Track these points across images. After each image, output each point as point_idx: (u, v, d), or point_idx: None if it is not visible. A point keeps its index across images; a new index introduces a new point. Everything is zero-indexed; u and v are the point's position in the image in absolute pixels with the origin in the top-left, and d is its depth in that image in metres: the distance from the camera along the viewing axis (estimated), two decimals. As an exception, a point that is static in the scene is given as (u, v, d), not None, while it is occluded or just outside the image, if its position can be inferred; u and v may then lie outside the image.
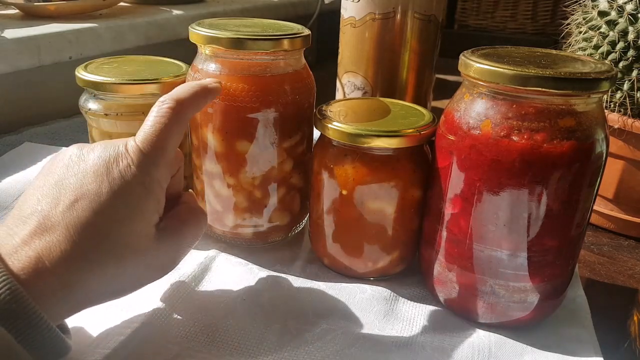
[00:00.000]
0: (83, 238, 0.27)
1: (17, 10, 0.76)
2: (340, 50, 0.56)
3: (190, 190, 0.37)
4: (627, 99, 0.46)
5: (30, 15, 0.74)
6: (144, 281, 0.32)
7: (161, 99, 0.32)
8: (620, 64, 0.46)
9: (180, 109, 0.32)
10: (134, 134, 0.43)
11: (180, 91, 0.33)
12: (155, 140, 0.30)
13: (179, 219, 0.33)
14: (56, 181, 0.29)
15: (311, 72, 0.42)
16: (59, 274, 0.26)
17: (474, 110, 0.33)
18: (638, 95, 0.46)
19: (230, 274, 0.41)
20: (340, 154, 0.38)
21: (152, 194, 0.30)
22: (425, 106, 0.50)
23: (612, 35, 0.46)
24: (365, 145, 0.36)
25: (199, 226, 0.34)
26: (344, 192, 0.38)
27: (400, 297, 0.39)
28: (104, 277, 0.28)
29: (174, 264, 0.33)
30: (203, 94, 0.34)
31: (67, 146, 0.58)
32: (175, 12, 0.85)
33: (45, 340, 0.25)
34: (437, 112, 0.39)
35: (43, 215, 0.28)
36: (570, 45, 0.51)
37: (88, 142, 0.46)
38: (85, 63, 0.45)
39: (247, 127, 0.39)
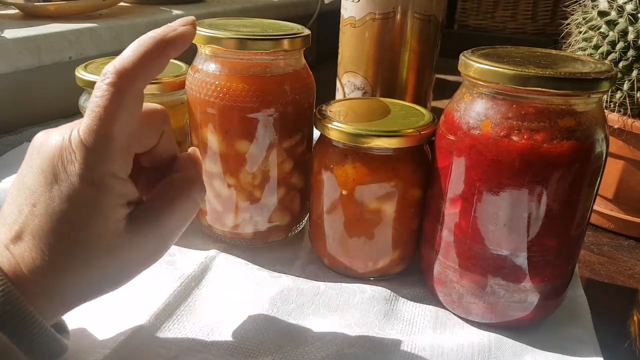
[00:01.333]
0: (48, 245, 0.25)
1: (17, 10, 0.76)
2: (340, 50, 0.56)
3: (191, 148, 0.33)
4: (627, 99, 0.46)
5: (30, 15, 0.74)
6: (131, 273, 0.29)
7: (103, 71, 0.26)
8: (620, 64, 0.46)
9: (125, 82, 0.26)
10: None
11: (125, 56, 0.26)
12: (98, 128, 0.25)
13: (164, 199, 0.29)
14: (19, 181, 0.27)
15: (311, 72, 0.42)
16: (35, 281, 0.25)
17: (474, 110, 0.33)
18: (638, 95, 0.46)
19: (230, 274, 0.41)
20: (340, 154, 0.38)
21: (107, 191, 0.26)
22: (425, 106, 0.50)
23: (612, 35, 0.46)
24: (365, 145, 0.36)
25: (189, 203, 0.30)
26: (344, 192, 0.38)
27: (400, 297, 0.39)
28: (81, 280, 0.27)
29: (160, 252, 0.30)
30: (157, 52, 0.27)
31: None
32: (175, 12, 0.85)
33: (40, 340, 0.25)
34: (437, 112, 0.39)
35: (12, 220, 0.26)
36: (570, 45, 0.51)
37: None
38: (85, 63, 0.45)
39: (247, 127, 0.39)
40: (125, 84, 0.26)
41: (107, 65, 0.26)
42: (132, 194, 0.28)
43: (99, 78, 0.26)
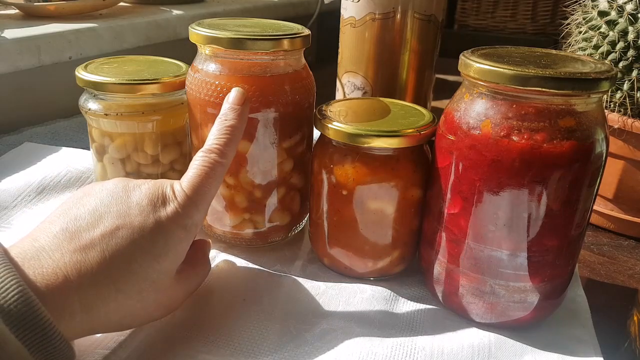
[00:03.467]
0: (115, 265, 0.28)
1: (17, 10, 0.76)
2: (340, 50, 0.56)
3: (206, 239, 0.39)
4: (627, 99, 0.46)
5: (30, 15, 0.74)
6: (149, 317, 0.32)
7: (206, 148, 0.33)
8: (620, 64, 0.46)
9: (225, 161, 0.33)
10: (134, 134, 0.43)
11: (222, 141, 0.33)
12: (200, 186, 0.32)
13: (190, 264, 0.34)
14: (97, 205, 0.30)
15: (311, 72, 0.42)
16: (82, 293, 0.26)
17: (474, 110, 0.33)
18: (638, 95, 0.46)
19: (230, 274, 0.41)
20: (340, 154, 0.38)
21: (190, 237, 0.31)
22: (425, 106, 0.50)
23: (612, 35, 0.46)
24: (365, 145, 0.36)
25: (203, 274, 0.36)
26: (344, 192, 0.38)
27: (400, 297, 0.39)
28: (123, 306, 0.28)
29: (177, 306, 0.34)
30: (238, 135, 0.35)
31: (67, 146, 0.59)
32: (175, 12, 0.85)
33: (57, 352, 0.25)
34: (437, 112, 0.39)
35: (77, 234, 0.28)
36: (570, 45, 0.51)
37: (88, 142, 0.46)
38: (85, 63, 0.45)
39: (247, 127, 0.38)
40: (224, 161, 0.33)
41: (210, 144, 0.33)
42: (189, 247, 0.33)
43: (203, 152, 0.33)
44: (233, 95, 0.35)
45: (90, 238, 0.28)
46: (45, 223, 0.29)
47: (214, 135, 0.34)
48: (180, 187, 0.32)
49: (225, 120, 0.34)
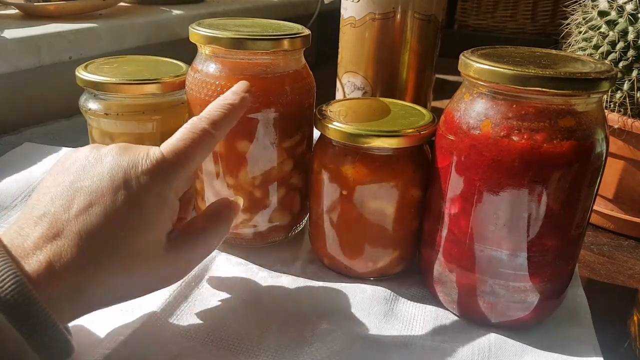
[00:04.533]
0: (94, 245, 0.27)
1: (17, 10, 0.76)
2: (340, 50, 0.56)
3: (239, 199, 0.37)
4: (627, 99, 0.46)
5: (30, 15, 0.74)
6: (151, 288, 0.31)
7: (195, 117, 0.32)
8: (620, 64, 0.46)
9: (214, 131, 0.31)
10: (134, 134, 0.43)
11: (215, 113, 0.32)
12: (182, 151, 0.30)
13: (195, 229, 0.32)
14: (71, 182, 0.28)
15: (311, 72, 0.42)
16: (68, 279, 0.26)
17: (474, 110, 0.33)
18: (638, 95, 0.46)
19: (230, 274, 0.41)
20: (340, 154, 0.38)
21: (167, 204, 0.30)
22: (425, 106, 0.50)
23: (612, 35, 0.46)
24: (365, 145, 0.36)
25: (212, 239, 0.33)
26: (344, 192, 0.38)
27: (400, 297, 0.39)
28: (112, 284, 0.28)
29: (182, 274, 0.33)
30: (235, 115, 0.33)
31: (67, 146, 0.59)
32: (175, 12, 0.85)
33: (53, 340, 0.25)
34: (437, 112, 0.39)
35: (55, 217, 0.27)
36: (570, 45, 0.51)
37: (88, 142, 0.46)
38: (85, 63, 0.45)
39: (247, 127, 0.39)
40: (213, 132, 0.31)
41: (206, 113, 0.32)
42: (176, 215, 0.31)
43: (192, 120, 0.31)
44: (237, 84, 0.35)
45: (66, 220, 0.27)
46: (29, 207, 0.28)
47: (209, 108, 0.33)
48: (158, 151, 0.30)
49: (225, 99, 0.33)
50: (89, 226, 0.27)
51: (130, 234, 0.28)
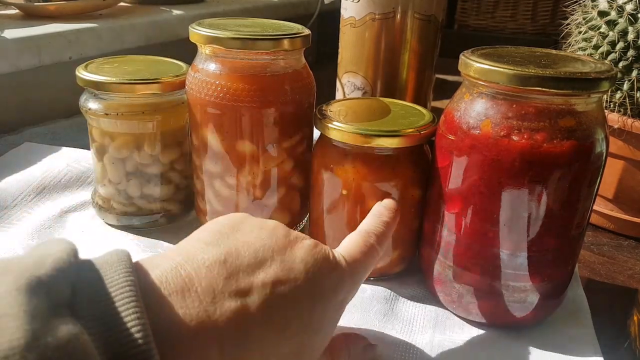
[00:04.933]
0: (267, 324, 0.24)
1: (17, 10, 0.76)
2: (340, 50, 0.56)
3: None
4: (627, 99, 0.46)
5: (30, 15, 0.74)
6: None
7: (364, 230, 0.31)
8: (620, 64, 0.46)
9: (380, 249, 0.31)
10: (134, 134, 0.43)
11: (380, 231, 0.31)
12: (360, 260, 0.29)
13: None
14: (260, 245, 0.26)
15: (311, 72, 0.42)
16: (226, 345, 0.22)
17: (474, 110, 0.33)
18: (638, 95, 0.46)
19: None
20: (340, 154, 0.38)
21: (340, 313, 0.28)
22: (425, 106, 0.50)
23: (612, 35, 0.46)
24: (365, 145, 0.36)
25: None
26: (344, 192, 0.38)
27: (400, 297, 0.39)
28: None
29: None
30: (389, 236, 0.33)
31: (67, 146, 0.59)
32: (175, 12, 0.85)
33: None
34: (437, 112, 0.39)
35: (237, 274, 0.24)
36: (570, 45, 0.51)
37: (88, 142, 0.46)
38: (86, 63, 0.45)
39: (247, 127, 0.39)
40: (380, 249, 0.31)
41: (371, 227, 0.32)
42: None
43: (361, 231, 0.31)
44: (387, 202, 0.34)
45: (249, 283, 0.24)
46: (195, 248, 0.24)
47: (373, 223, 0.32)
48: (341, 256, 0.28)
49: (381, 216, 0.33)
50: (271, 301, 0.24)
51: (304, 333, 0.25)
